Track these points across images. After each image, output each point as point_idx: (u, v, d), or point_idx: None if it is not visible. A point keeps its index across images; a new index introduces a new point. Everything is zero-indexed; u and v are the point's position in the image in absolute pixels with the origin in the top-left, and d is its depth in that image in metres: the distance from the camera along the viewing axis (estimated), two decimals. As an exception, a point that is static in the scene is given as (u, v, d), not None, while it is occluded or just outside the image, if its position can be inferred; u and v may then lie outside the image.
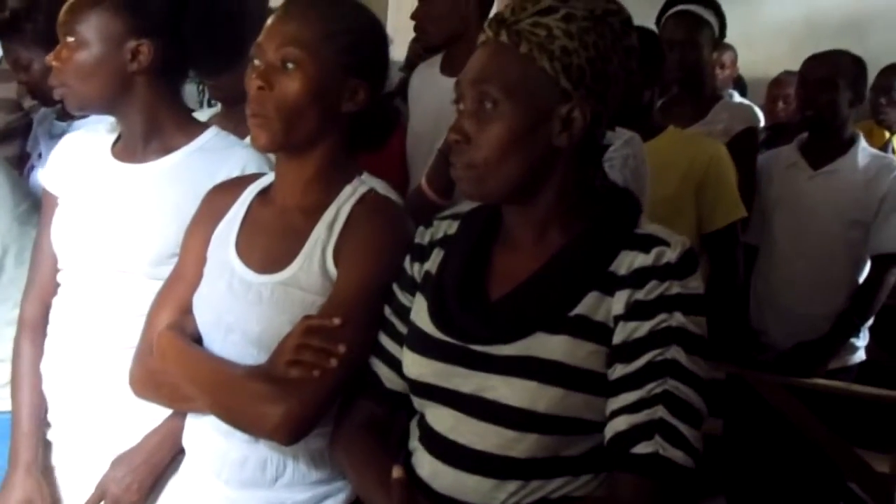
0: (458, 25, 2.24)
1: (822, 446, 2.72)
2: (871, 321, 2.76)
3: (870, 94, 3.61)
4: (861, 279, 2.74)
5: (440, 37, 2.29)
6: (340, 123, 1.32)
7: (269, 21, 1.31)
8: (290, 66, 1.26)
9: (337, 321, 1.21)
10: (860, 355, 2.77)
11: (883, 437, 2.90)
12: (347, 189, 1.34)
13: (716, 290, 2.42)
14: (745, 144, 2.79)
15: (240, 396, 1.23)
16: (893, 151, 3.68)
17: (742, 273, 2.54)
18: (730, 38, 4.09)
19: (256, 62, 1.29)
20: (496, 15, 1.16)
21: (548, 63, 1.10)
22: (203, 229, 1.40)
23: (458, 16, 2.24)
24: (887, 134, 3.75)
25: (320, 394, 1.21)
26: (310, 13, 1.29)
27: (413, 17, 2.33)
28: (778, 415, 2.75)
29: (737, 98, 4.14)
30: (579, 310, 1.10)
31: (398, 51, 3.65)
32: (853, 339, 2.74)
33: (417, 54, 2.85)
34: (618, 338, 1.08)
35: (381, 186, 1.36)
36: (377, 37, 1.36)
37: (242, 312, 1.30)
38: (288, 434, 1.21)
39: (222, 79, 1.81)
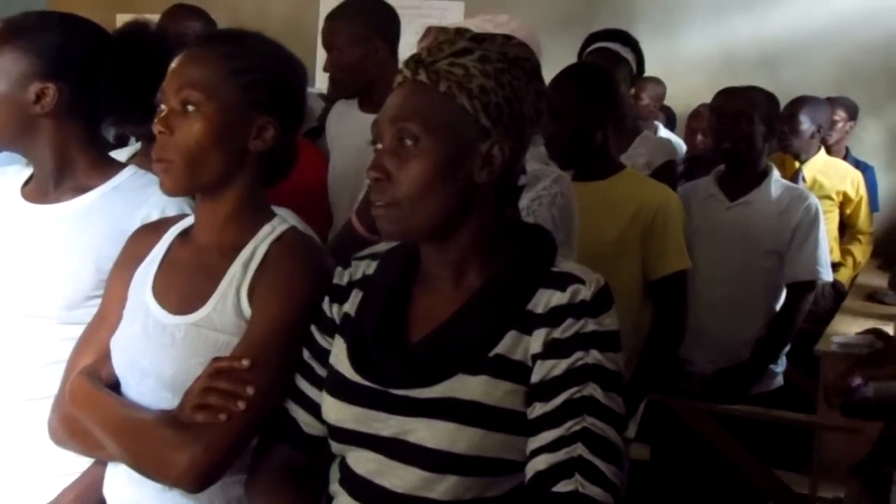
0: (371, 71, 2.23)
1: (744, 469, 2.77)
2: (788, 347, 2.82)
3: None
4: (777, 306, 2.81)
5: (354, 86, 2.27)
6: (250, 162, 1.30)
7: (172, 65, 1.28)
8: (189, 108, 1.25)
9: (245, 363, 1.18)
10: (779, 381, 2.83)
11: (801, 458, 2.98)
12: (266, 228, 1.31)
13: (660, 338, 2.42)
14: (665, 176, 2.86)
15: (147, 442, 1.19)
16: (803, 179, 3.82)
17: (685, 321, 2.48)
18: (651, 71, 4.22)
19: (162, 107, 1.27)
20: (413, 56, 1.16)
21: (467, 101, 1.11)
22: (125, 271, 1.36)
23: (370, 63, 2.23)
24: (797, 164, 3.88)
25: (228, 439, 1.16)
26: (209, 54, 1.27)
27: (325, 69, 2.31)
28: (702, 440, 2.80)
29: (662, 131, 4.25)
30: (498, 349, 1.10)
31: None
32: (772, 366, 2.79)
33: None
34: (536, 376, 1.08)
35: (284, 214, 1.33)
36: (287, 71, 1.33)
37: (156, 355, 1.26)
38: (194, 481, 1.16)
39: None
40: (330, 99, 2.60)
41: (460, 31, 1.17)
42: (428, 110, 1.11)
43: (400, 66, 1.18)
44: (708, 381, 2.78)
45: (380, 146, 1.14)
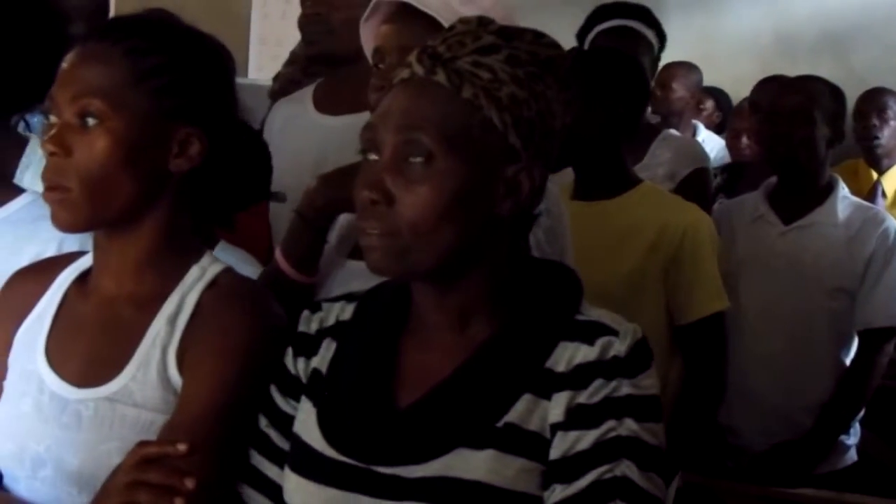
0: (358, 42, 2.22)
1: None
2: (862, 412, 2.88)
3: (854, 118, 3.79)
4: (848, 360, 2.87)
5: (349, 46, 2.09)
6: (171, 186, 1.34)
7: (63, 64, 1.30)
8: (89, 122, 1.28)
9: (183, 447, 1.20)
10: (852, 455, 2.89)
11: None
12: (194, 271, 1.35)
13: (692, 399, 2.50)
14: (693, 190, 2.90)
15: None
16: (884, 194, 3.89)
17: (725, 378, 2.57)
18: (687, 54, 4.28)
19: (52, 119, 1.29)
20: (426, 48, 1.19)
21: (496, 113, 1.16)
22: (2, 329, 1.38)
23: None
24: (875, 174, 3.98)
25: None
26: (112, 50, 1.30)
27: (313, 8, 2.20)
28: (755, 535, 2.85)
29: (702, 132, 4.29)
30: (509, 417, 1.15)
31: (265, 71, 3.61)
32: (843, 437, 2.85)
33: (292, 80, 2.73)
34: (556, 451, 1.14)
35: (239, 259, 1.36)
36: (212, 67, 1.37)
37: (56, 440, 1.28)
38: None
39: None
40: (280, 91, 2.52)
41: (484, 22, 1.20)
42: (447, 121, 1.15)
43: (409, 58, 1.20)
44: (760, 458, 2.83)
45: (374, 157, 1.18)
